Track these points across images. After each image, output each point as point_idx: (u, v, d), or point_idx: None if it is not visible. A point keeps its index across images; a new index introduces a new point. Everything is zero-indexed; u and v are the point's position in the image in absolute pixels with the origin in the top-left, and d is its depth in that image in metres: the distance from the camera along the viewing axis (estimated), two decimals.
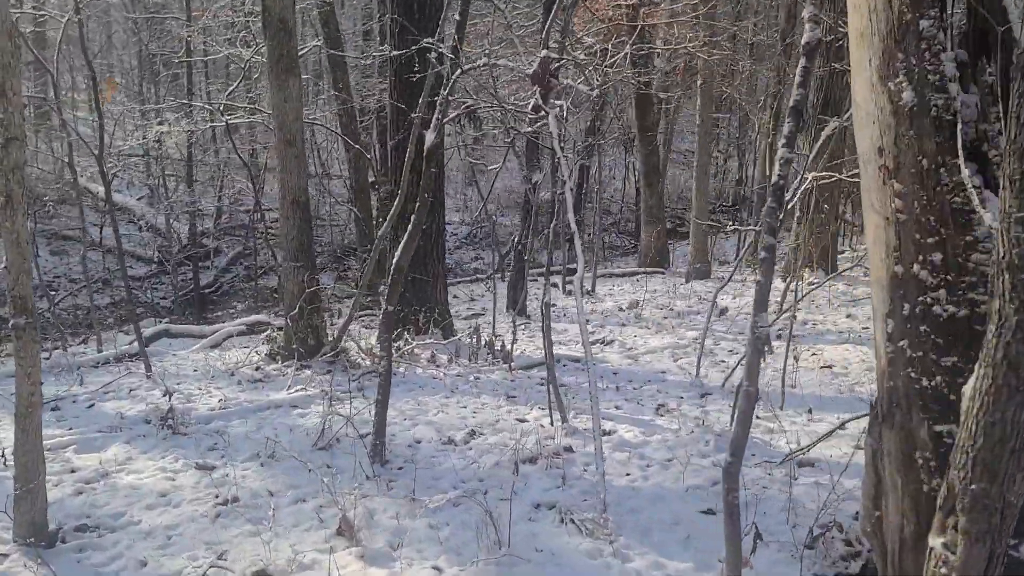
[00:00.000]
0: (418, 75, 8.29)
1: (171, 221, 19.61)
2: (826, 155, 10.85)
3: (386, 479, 4.81)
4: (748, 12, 15.73)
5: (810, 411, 5.68)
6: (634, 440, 5.26)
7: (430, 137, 4.43)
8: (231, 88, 10.83)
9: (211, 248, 21.28)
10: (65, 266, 18.67)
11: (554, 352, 8.47)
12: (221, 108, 10.53)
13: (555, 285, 15.23)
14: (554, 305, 12.65)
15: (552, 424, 5.58)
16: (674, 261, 16.92)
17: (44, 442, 5.97)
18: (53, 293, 17.71)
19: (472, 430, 5.59)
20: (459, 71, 4.54)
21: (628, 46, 11.83)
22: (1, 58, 3.34)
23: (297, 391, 7.08)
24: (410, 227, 4.67)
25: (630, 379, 7.22)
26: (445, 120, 4.45)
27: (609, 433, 5.46)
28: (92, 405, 7.08)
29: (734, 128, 24.04)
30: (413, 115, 6.30)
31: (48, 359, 9.16)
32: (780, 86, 15.69)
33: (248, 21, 10.68)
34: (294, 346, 7.59)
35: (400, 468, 5.05)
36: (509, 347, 8.11)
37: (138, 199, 22.82)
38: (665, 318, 10.49)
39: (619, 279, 15.84)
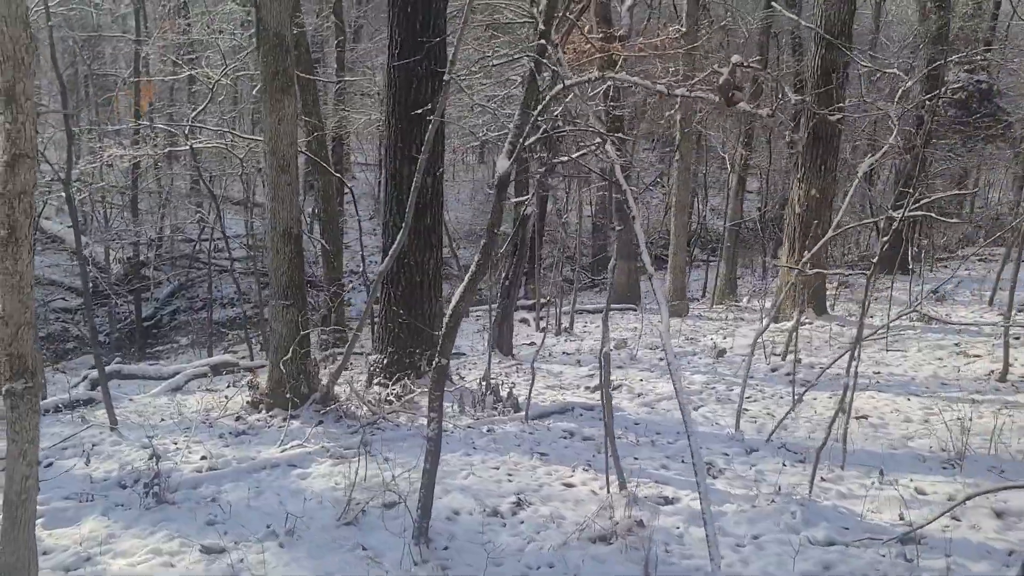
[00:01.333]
0: (420, 92, 7.69)
1: (109, 251, 18.37)
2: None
3: (436, 564, 4.10)
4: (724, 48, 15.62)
5: (881, 472, 5.19)
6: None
7: (501, 164, 3.81)
8: (198, 110, 9.97)
9: (152, 280, 20.04)
10: None
11: (564, 399, 7.92)
12: (187, 131, 9.67)
13: (524, 321, 14.66)
14: (531, 344, 12.06)
15: (608, 491, 4.95)
16: (643, 297, 16.56)
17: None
18: None
19: (518, 499, 4.90)
20: (562, 85, 3.93)
21: (599, 79, 11.44)
22: (12, 51, 2.60)
23: (293, 447, 6.27)
24: (472, 269, 4.00)
25: (657, 431, 6.65)
26: (527, 143, 3.85)
27: (671, 501, 4.86)
28: (51, 464, 6.14)
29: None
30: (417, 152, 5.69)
31: None
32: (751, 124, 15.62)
33: (216, 39, 9.89)
34: (288, 395, 6.78)
35: (446, 549, 4.33)
36: (515, 394, 7.48)
37: (69, 227, 21.40)
38: (660, 359, 9.99)
39: (591, 315, 15.36)
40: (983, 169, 19.27)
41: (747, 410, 7.32)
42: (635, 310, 15.96)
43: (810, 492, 4.81)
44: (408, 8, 7.58)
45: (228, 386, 9.81)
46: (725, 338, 11.12)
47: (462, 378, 8.72)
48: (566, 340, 12.60)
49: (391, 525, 4.61)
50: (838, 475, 5.27)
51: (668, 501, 4.84)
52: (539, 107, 3.88)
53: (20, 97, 2.62)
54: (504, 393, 7.52)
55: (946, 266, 15.84)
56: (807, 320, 10.96)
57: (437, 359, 4.17)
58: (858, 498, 4.85)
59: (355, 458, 6.09)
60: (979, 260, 16.03)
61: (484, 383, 7.36)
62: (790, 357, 9.13)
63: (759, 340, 10.58)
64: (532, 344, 11.91)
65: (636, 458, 5.74)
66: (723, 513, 4.61)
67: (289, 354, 6.83)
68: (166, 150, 10.85)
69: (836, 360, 6.39)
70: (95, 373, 10.06)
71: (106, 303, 18.07)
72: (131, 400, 8.77)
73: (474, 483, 5.28)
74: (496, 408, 7.32)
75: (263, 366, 11.09)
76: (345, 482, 5.50)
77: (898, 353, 9.34)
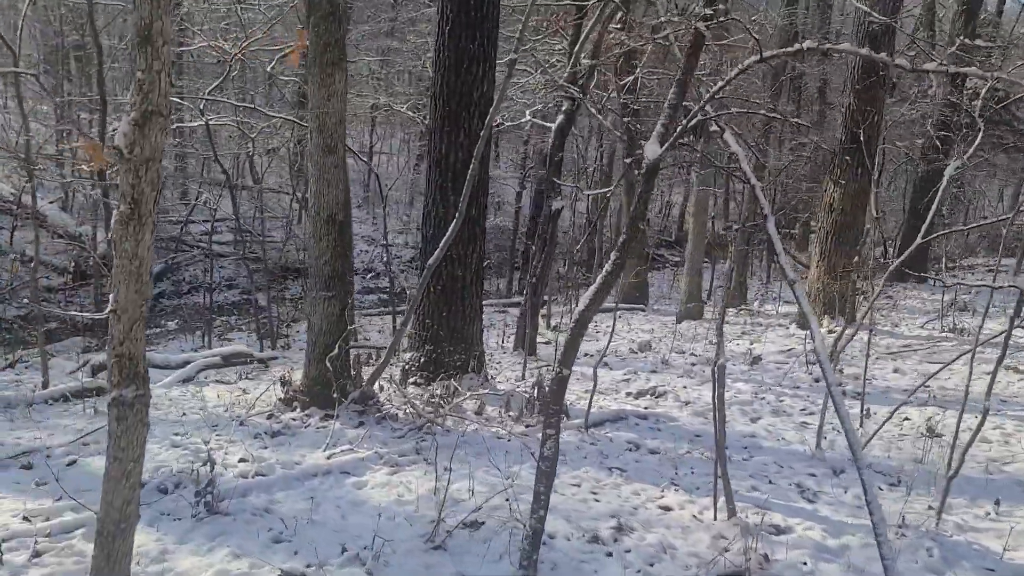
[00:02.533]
0: (471, 74, 7.15)
1: (93, 228, 17.51)
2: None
3: None
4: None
5: (997, 503, 4.82)
6: (830, 544, 4.23)
7: (652, 150, 3.33)
8: (215, 84, 9.27)
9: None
10: None
11: (612, 407, 7.47)
12: (202, 107, 9.00)
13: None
14: (547, 343, 11.62)
15: (715, 518, 4.51)
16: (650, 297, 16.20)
17: (38, 522, 4.49)
18: None
19: (618, 523, 4.43)
20: (740, 68, 3.43)
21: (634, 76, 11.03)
22: None
23: (343, 452, 5.74)
24: (608, 269, 3.52)
25: (724, 446, 6.22)
26: (678, 133, 3.37)
27: (783, 530, 4.42)
28: (74, 462, 5.55)
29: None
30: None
31: None
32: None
33: (237, 9, 9.23)
34: (334, 394, 6.24)
35: None
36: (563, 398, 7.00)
37: (50, 203, 20.47)
38: (693, 364, 9.59)
39: (599, 314, 14.94)
40: (988, 178, 19.18)
41: (806, 424, 6.95)
42: (643, 310, 15.60)
43: (937, 525, 4.41)
44: None
45: (240, 377, 9.24)
46: (752, 344, 10.76)
47: (491, 378, 8.23)
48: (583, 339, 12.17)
49: (481, 549, 4.12)
50: (948, 504, 4.88)
51: (779, 530, 4.41)
52: (717, 90, 3.39)
53: (157, 39, 2.09)
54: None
55: (954, 275, 15.68)
56: (838, 328, 10.65)
57: (558, 369, 3.69)
58: (980, 531, 4.47)
59: (411, 466, 5.61)
60: (988, 271, 15.91)
61: (537, 387, 6.87)
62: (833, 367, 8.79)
63: (791, 348, 10.29)
64: (548, 343, 11.47)
65: (719, 476, 5.31)
66: (847, 547, 4.18)
67: (336, 350, 6.28)
68: (174, 126, 10.16)
69: (935, 375, 5.98)
70: (97, 358, 9.43)
71: (90, 284, 17.27)
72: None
73: (559, 502, 4.80)
74: (538, 413, 6.84)
75: (274, 358, 10.53)
76: (408, 494, 5.01)
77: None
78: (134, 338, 2.30)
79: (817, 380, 8.55)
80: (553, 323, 13.54)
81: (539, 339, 11.77)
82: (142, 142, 2.15)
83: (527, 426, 6.59)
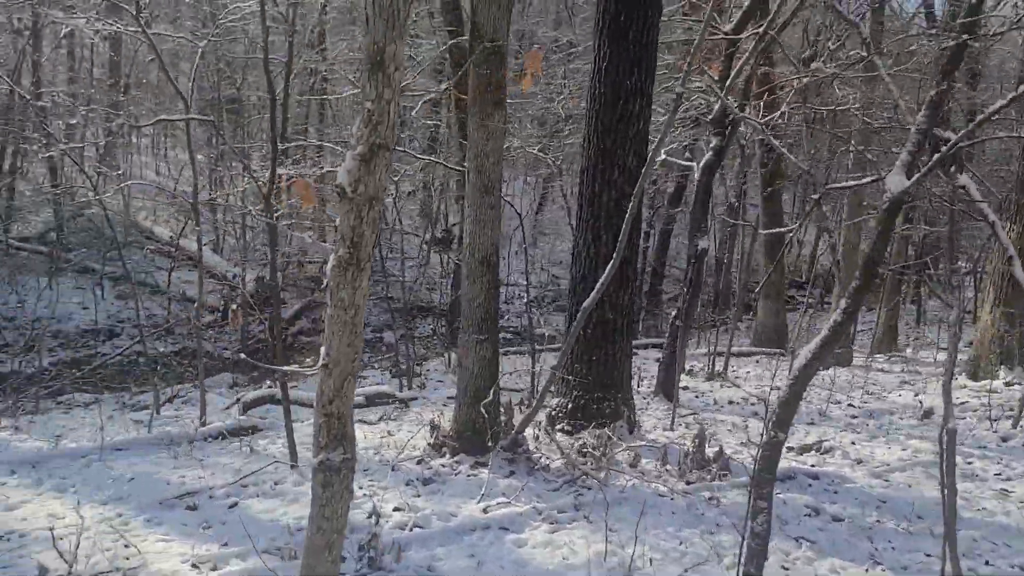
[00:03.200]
0: (627, 109, 6.84)
1: (243, 269, 18.18)
2: None
3: None
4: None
5: None
6: None
7: (896, 182, 2.88)
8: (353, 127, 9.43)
9: (271, 298, 19.80)
10: (131, 310, 17.17)
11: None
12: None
13: (659, 361, 13.54)
14: (684, 388, 11.00)
15: None
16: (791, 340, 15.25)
17: (206, 569, 4.36)
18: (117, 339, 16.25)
19: None
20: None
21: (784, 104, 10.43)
22: (388, 2, 1.83)
23: (499, 505, 5.42)
24: (837, 319, 3.07)
25: (917, 514, 5.51)
26: (934, 163, 2.91)
27: None
28: (235, 505, 5.45)
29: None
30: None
31: (150, 428, 7.58)
32: None
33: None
34: (489, 442, 5.96)
35: None
36: (720, 450, 6.46)
37: (204, 245, 21.46)
38: (854, 417, 8.80)
39: (734, 359, 14.17)
40: None
41: (1007, 492, 6.12)
42: (783, 354, 14.70)
43: None
44: (621, 17, 6.77)
45: (382, 418, 9.12)
46: (917, 396, 9.83)
47: (639, 426, 7.74)
48: (722, 385, 11.50)
49: None
50: None
51: None
52: (989, 114, 2.93)
53: (389, 64, 1.86)
54: (712, 451, 6.51)
55: None
56: (1016, 380, 9.59)
57: (771, 432, 3.24)
58: None
59: (571, 523, 5.22)
60: None
61: (698, 441, 6.36)
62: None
63: (964, 402, 9.31)
64: (685, 388, 10.87)
65: (928, 555, 4.66)
66: None
67: (491, 396, 6.01)
68: (324, 170, 10.35)
69: None
70: (249, 395, 9.54)
71: (232, 322, 17.83)
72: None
73: None
74: (707, 469, 6.32)
75: (414, 398, 10.39)
76: (574, 556, 4.62)
77: None
78: (345, 396, 2.04)
79: (1005, 439, 7.63)
80: (688, 366, 12.88)
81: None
82: (367, 179, 1.91)
83: (688, 483, 6.09)
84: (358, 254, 1.96)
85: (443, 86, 11.08)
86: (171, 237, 19.09)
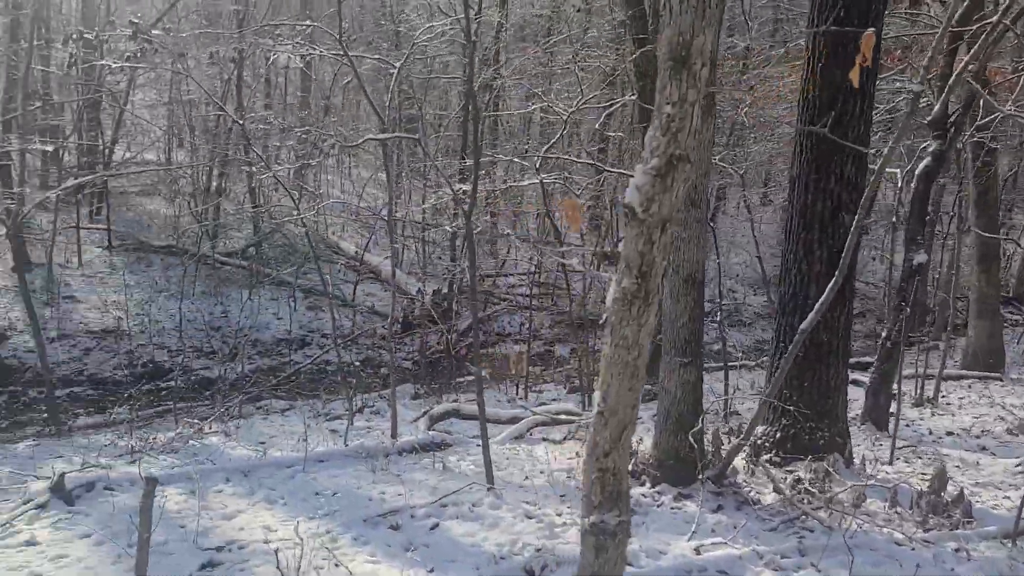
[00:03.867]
0: (844, 114, 6.19)
1: (423, 283, 18.65)
2: None
3: None
4: None
5: None
6: None
7: None
8: (551, 142, 9.27)
9: (448, 311, 20.16)
10: (320, 321, 18.04)
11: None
12: (538, 164, 8.96)
13: (855, 383, 12.38)
14: (904, 419, 9.96)
15: None
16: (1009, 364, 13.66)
17: None
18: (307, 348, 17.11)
19: None
20: None
21: None
22: None
23: (713, 545, 4.97)
24: None
25: None
26: None
27: None
28: (436, 526, 5.34)
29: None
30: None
31: (346, 440, 7.70)
32: None
33: (577, 66, 9.07)
34: (699, 475, 5.53)
35: None
36: (960, 494, 5.65)
37: (385, 259, 22.28)
38: None
39: (944, 382, 12.79)
40: None
41: None
42: (1000, 379, 13.16)
43: None
44: (842, 12, 6.15)
45: (567, 436, 8.87)
46: None
47: (849, 459, 6.99)
48: (933, 414, 10.37)
49: None
50: None
51: None
52: None
53: (696, 60, 1.56)
54: (951, 493, 5.73)
55: None
56: None
57: None
58: None
59: (797, 571, 4.68)
60: None
61: (937, 480, 5.61)
62: None
63: None
64: (891, 415, 9.84)
65: None
66: None
67: (699, 424, 5.58)
68: (507, 186, 10.31)
69: None
70: (437, 409, 9.59)
71: (415, 333, 18.28)
72: (479, 446, 8.03)
73: None
74: (946, 514, 5.55)
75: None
76: None
77: None
78: (622, 449, 1.74)
79: None
80: (913, 392, 11.68)
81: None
82: (662, 197, 1.61)
83: (926, 530, 5.36)
84: (646, 285, 1.66)
85: (626, 97, 10.75)
86: (356, 252, 19.92)
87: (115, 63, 7.74)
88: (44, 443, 8.21)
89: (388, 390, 13.64)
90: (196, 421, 9.24)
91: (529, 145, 21.25)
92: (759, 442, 6.70)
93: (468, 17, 4.99)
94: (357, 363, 15.47)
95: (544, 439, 8.76)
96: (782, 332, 6.69)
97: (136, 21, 6.47)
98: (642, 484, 6.07)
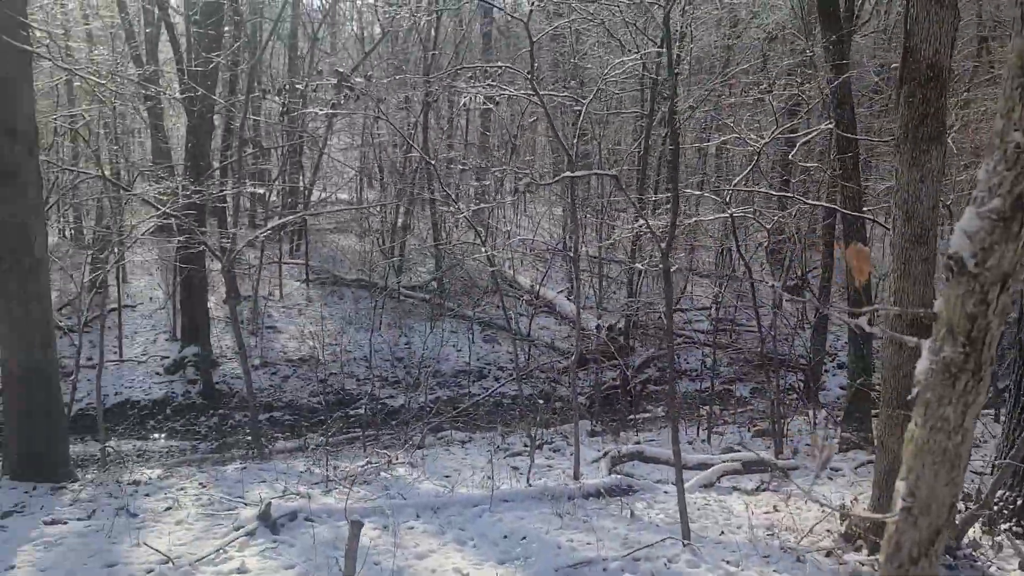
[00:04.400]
0: None
1: (599, 317, 18.41)
2: None
3: None
4: None
5: None
6: None
7: None
8: (743, 173, 8.81)
9: (624, 346, 19.73)
10: (496, 354, 18.22)
11: None
12: (728, 197, 8.50)
13: None
14: None
15: None
16: None
17: None
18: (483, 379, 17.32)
19: None
20: None
21: None
22: None
23: None
24: None
25: None
26: None
27: None
28: None
29: None
30: None
31: (529, 479, 7.53)
32: None
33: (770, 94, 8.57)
34: None
35: None
36: None
37: (559, 292, 22.28)
38: None
39: None
40: None
41: None
42: None
43: None
44: None
45: (758, 488, 8.24)
46: None
47: None
48: None
49: None
50: None
51: None
52: None
53: None
54: None
55: None
56: None
57: None
58: None
59: None
60: None
61: None
62: None
63: None
64: None
65: None
66: None
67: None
68: (693, 220, 9.92)
69: None
70: (618, 449, 9.26)
71: (590, 368, 18.01)
72: (665, 492, 7.62)
73: None
74: None
75: (795, 467, 9.33)
76: None
77: None
78: (934, 556, 1.39)
79: None
80: None
81: None
82: (1003, 246, 1.27)
83: None
84: (977, 356, 1.32)
85: (823, 125, 10.06)
86: (532, 286, 20.04)
87: (319, 110, 8.16)
88: (250, 467, 8.65)
89: (565, 426, 13.46)
90: (385, 452, 9.45)
91: (705, 178, 20.60)
92: (997, 508, 5.85)
93: (670, 47, 4.74)
94: (541, 400, 15.42)
95: (735, 488, 8.19)
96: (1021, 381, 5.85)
97: (340, 71, 6.75)
98: (858, 550, 5.44)
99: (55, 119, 14.36)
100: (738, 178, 8.41)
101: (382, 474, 7.98)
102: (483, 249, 9.11)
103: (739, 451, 9.18)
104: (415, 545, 5.54)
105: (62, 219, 21.33)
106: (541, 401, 14.14)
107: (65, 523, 6.05)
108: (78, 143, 17.17)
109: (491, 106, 7.99)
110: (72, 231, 21.90)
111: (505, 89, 7.47)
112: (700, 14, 15.02)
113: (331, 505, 6.18)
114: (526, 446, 10.44)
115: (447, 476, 8.39)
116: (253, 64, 17.38)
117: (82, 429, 12.01)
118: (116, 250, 12.43)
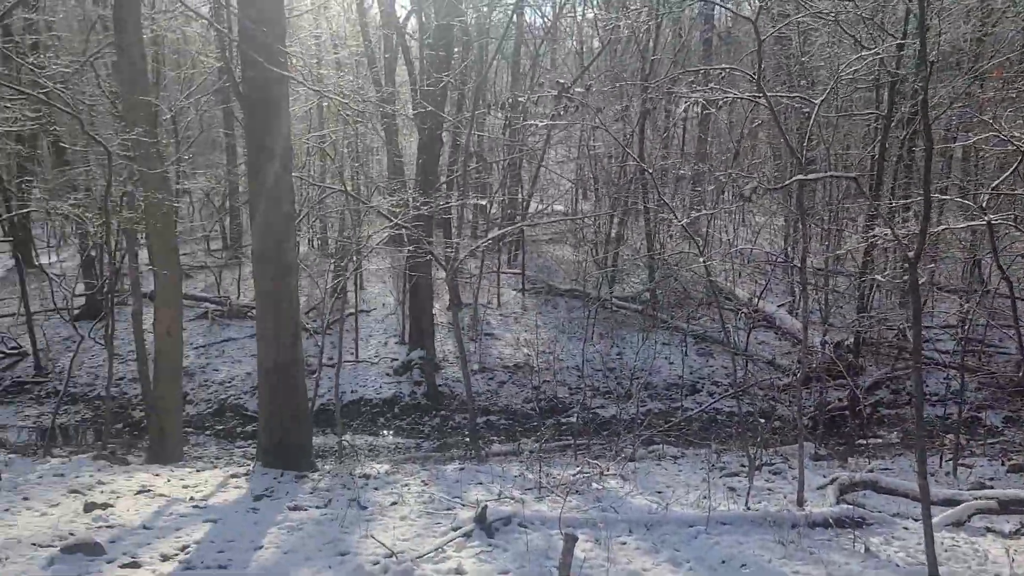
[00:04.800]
0: None
1: (824, 334, 17.16)
2: None
3: None
4: None
5: None
6: None
7: None
8: (1004, 175, 7.68)
9: (853, 365, 18.19)
10: (710, 368, 17.56)
11: None
12: (984, 201, 7.50)
13: None
14: None
15: None
16: None
17: None
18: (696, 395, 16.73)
19: None
20: None
21: None
22: None
23: None
24: None
25: None
26: None
27: None
28: None
29: None
30: None
31: (747, 502, 7.07)
32: None
33: None
34: None
35: None
36: None
37: (779, 306, 21.07)
38: None
39: None
40: None
41: None
42: None
43: None
44: None
45: (1018, 530, 7.17)
46: None
47: None
48: None
49: None
50: None
51: None
52: None
53: None
54: None
55: None
56: None
57: None
58: None
59: None
60: None
61: None
62: None
63: None
64: None
65: None
66: None
67: None
68: (941, 228, 8.77)
69: None
70: (845, 476, 8.50)
71: (812, 387, 16.82)
72: (906, 528, 6.83)
73: None
74: None
75: None
76: None
77: None
78: None
79: None
80: None
81: None
82: None
83: None
84: None
85: None
86: (749, 298, 19.12)
87: (539, 122, 8.26)
88: (468, 468, 8.92)
89: (786, 447, 12.64)
90: (596, 462, 9.36)
91: (950, 183, 18.56)
92: None
93: (924, 34, 4.18)
94: (762, 419, 14.65)
95: (988, 529, 7.20)
96: None
97: (562, 82, 6.77)
98: None
99: (307, 140, 15.82)
100: (998, 180, 7.38)
101: (593, 484, 7.88)
102: (699, 260, 8.74)
103: (992, 487, 8.07)
104: (628, 561, 5.37)
105: (310, 230, 23.51)
106: (761, 420, 13.37)
107: (306, 510, 6.54)
108: (325, 161, 18.82)
109: (712, 110, 7.62)
110: (318, 241, 24.07)
111: (729, 92, 7.11)
112: (948, 3, 13.58)
113: (544, 512, 6.17)
114: (743, 466, 9.91)
115: (659, 492, 8.13)
116: (479, 82, 18.11)
117: (322, 423, 13.09)
118: (355, 258, 13.43)
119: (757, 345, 18.24)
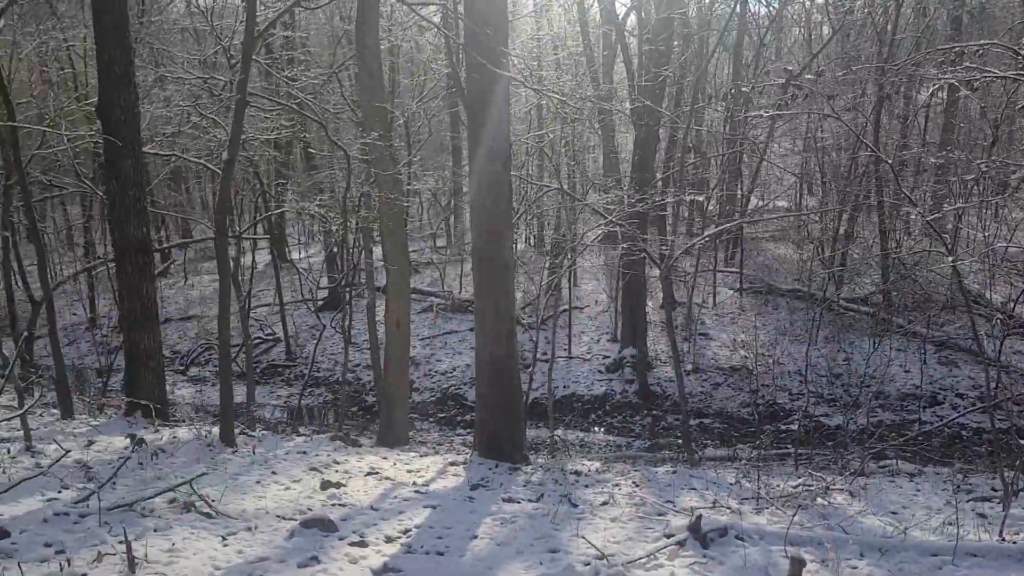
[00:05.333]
0: None
1: None
2: None
3: None
4: None
5: None
6: None
7: None
8: None
9: None
10: (954, 378, 15.71)
11: None
12: None
13: None
14: None
15: None
16: None
17: None
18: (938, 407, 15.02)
19: None
20: None
21: None
22: None
23: None
24: None
25: None
26: None
27: None
28: None
29: None
30: None
31: (1002, 532, 6.16)
32: None
33: None
34: None
35: None
36: None
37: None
38: None
39: None
40: None
41: None
42: None
43: None
44: None
45: None
46: None
47: None
48: None
49: None
50: None
51: None
52: None
53: None
54: None
55: None
56: None
57: None
58: None
59: None
60: None
61: None
62: None
63: None
64: None
65: None
66: None
67: None
68: None
69: None
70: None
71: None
72: None
73: None
74: None
75: None
76: None
77: None
78: None
79: None
80: None
81: None
82: None
83: None
84: None
85: None
86: (1004, 302, 16.88)
87: (764, 112, 7.76)
88: (680, 472, 8.62)
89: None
90: (819, 475, 8.66)
91: None
92: None
93: None
94: (1020, 438, 12.90)
95: None
96: None
97: (790, 69, 6.28)
98: None
99: (526, 139, 16.19)
100: None
101: (817, 499, 7.29)
102: (947, 259, 7.77)
103: None
104: None
105: (528, 228, 24.07)
106: (1020, 439, 11.72)
107: (519, 503, 6.63)
108: (543, 159, 19.13)
109: (967, 93, 6.72)
110: (535, 238, 24.60)
111: (989, 72, 6.21)
112: None
113: (763, 526, 5.77)
114: (995, 490, 8.74)
115: (894, 513, 7.35)
116: (698, 75, 17.53)
117: (535, 416, 13.32)
118: (569, 255, 13.50)
119: (1012, 355, 16.06)
